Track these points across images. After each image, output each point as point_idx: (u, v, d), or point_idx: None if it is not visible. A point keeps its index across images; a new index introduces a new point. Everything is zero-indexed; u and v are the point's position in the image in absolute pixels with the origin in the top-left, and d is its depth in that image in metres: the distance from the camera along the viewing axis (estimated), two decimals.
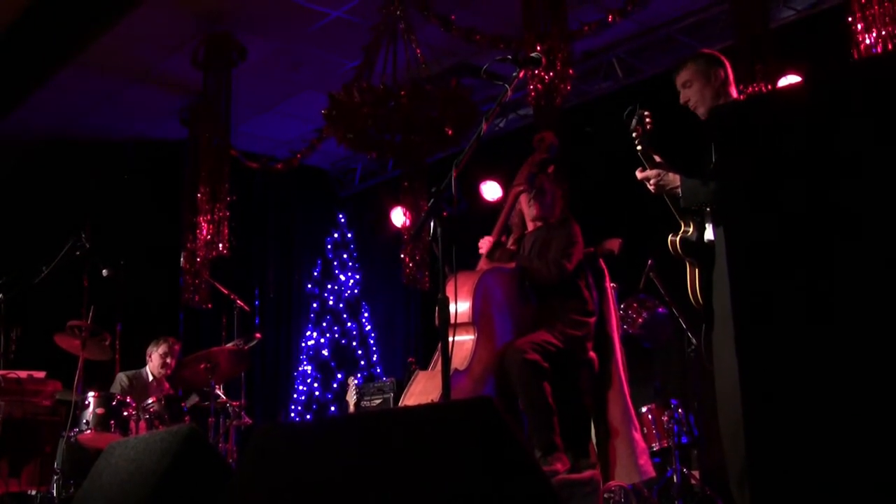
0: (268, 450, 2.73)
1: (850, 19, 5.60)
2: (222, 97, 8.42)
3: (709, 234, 3.79)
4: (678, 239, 3.86)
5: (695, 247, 3.81)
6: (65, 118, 9.53)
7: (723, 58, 3.99)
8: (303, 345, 11.22)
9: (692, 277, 3.88)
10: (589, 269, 5.04)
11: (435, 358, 4.77)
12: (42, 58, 8.32)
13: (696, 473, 5.88)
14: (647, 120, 3.95)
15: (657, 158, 3.95)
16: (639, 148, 3.95)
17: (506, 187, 6.84)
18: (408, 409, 3.83)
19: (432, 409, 2.79)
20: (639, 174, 3.96)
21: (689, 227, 3.85)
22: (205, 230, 8.35)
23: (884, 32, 5.43)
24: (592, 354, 4.85)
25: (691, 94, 3.94)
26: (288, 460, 2.62)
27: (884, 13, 5.46)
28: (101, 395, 6.16)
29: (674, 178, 3.85)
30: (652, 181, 3.91)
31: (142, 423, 6.13)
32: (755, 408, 1.92)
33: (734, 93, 3.98)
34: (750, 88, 6.22)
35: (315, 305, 11.43)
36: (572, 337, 4.74)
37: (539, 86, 6.78)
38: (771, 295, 1.91)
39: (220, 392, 6.62)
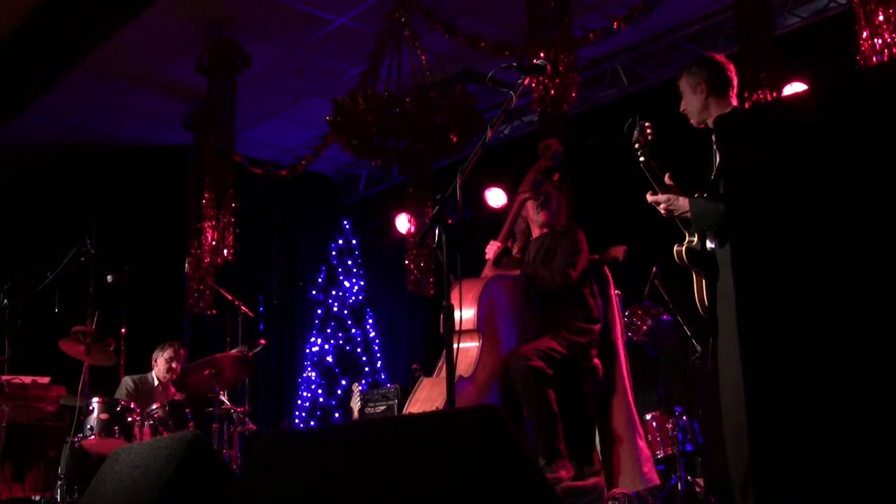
0: (272, 456, 2.73)
1: (855, 27, 5.60)
2: (227, 103, 8.44)
3: (710, 243, 3.79)
4: (684, 249, 3.86)
5: (700, 256, 3.81)
6: (69, 123, 9.55)
7: (718, 63, 3.95)
8: (307, 351, 11.22)
9: (699, 286, 3.88)
10: (594, 276, 5.04)
11: (439, 365, 4.77)
12: (47, 63, 8.33)
13: (700, 481, 5.85)
14: (649, 131, 3.94)
15: (659, 171, 3.95)
16: (641, 159, 3.94)
17: (510, 194, 6.85)
18: (412, 416, 3.83)
19: (437, 417, 2.79)
20: (649, 197, 3.95)
21: (694, 236, 3.85)
22: (209, 236, 8.36)
23: (889, 40, 5.42)
24: (597, 361, 4.85)
25: (684, 103, 4.01)
26: (291, 467, 2.62)
27: (889, 20, 5.46)
28: (105, 400, 6.15)
29: (683, 203, 3.84)
30: (662, 206, 3.91)
31: (146, 429, 6.13)
32: (759, 415, 1.92)
33: (734, 100, 3.96)
34: (755, 96, 6.22)
35: (319, 312, 11.43)
36: (577, 344, 4.74)
37: (544, 93, 6.78)
38: (775, 302, 1.91)
39: (224, 398, 6.62)
